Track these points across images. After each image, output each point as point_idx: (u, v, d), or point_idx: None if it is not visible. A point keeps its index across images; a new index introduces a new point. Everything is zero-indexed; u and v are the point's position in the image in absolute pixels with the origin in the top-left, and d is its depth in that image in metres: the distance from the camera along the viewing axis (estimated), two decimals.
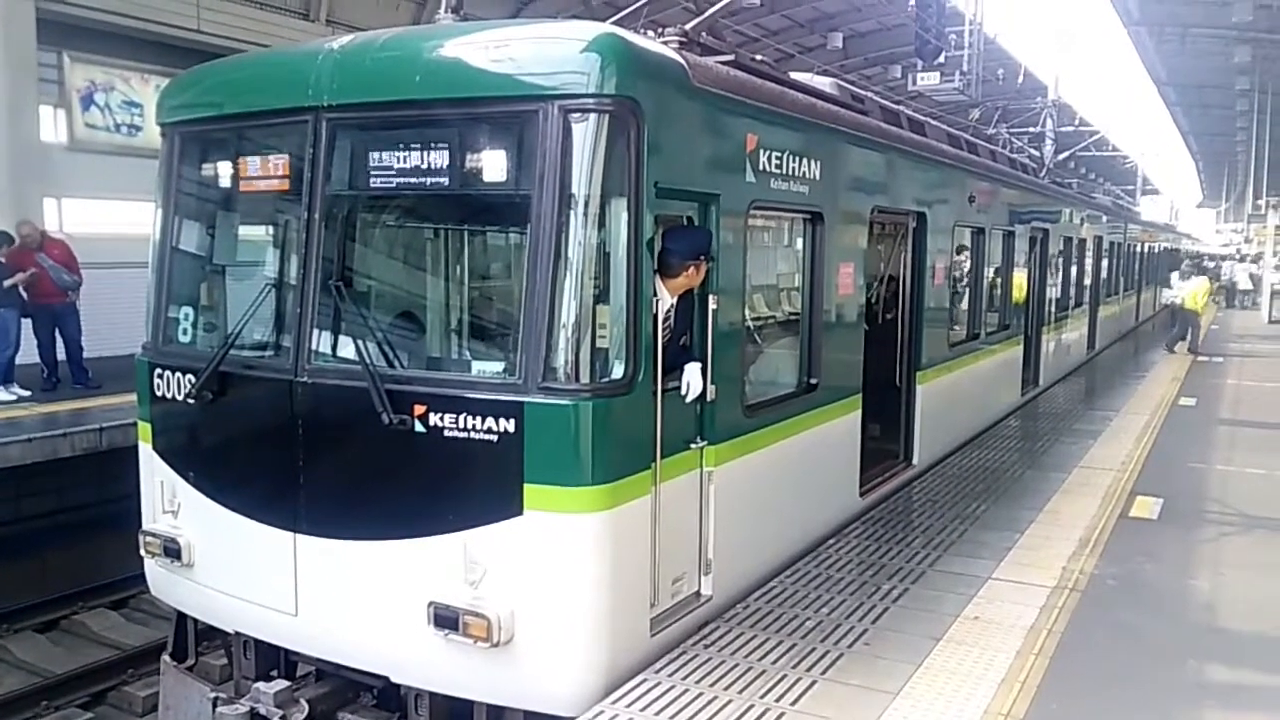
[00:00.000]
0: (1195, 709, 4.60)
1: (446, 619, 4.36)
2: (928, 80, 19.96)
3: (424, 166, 4.54)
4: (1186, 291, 19.74)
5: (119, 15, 15.12)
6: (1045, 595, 5.82)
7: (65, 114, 15.54)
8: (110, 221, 15.40)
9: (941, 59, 19.92)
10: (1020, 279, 12.36)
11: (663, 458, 4.75)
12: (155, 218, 5.66)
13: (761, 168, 5.56)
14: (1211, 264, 46.08)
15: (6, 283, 10.93)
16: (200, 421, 5.34)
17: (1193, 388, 14.62)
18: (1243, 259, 43.21)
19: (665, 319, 4.85)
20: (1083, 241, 16.74)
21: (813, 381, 6.43)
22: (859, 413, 7.17)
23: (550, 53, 4.43)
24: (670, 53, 4.93)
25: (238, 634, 5.35)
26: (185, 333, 5.61)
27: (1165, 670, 4.96)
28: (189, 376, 5.25)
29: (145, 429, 5.63)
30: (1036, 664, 4.89)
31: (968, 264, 10.36)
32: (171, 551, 5.35)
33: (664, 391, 4.73)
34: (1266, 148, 28.15)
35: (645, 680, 4.57)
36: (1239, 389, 14.95)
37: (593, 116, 4.31)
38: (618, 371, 4.42)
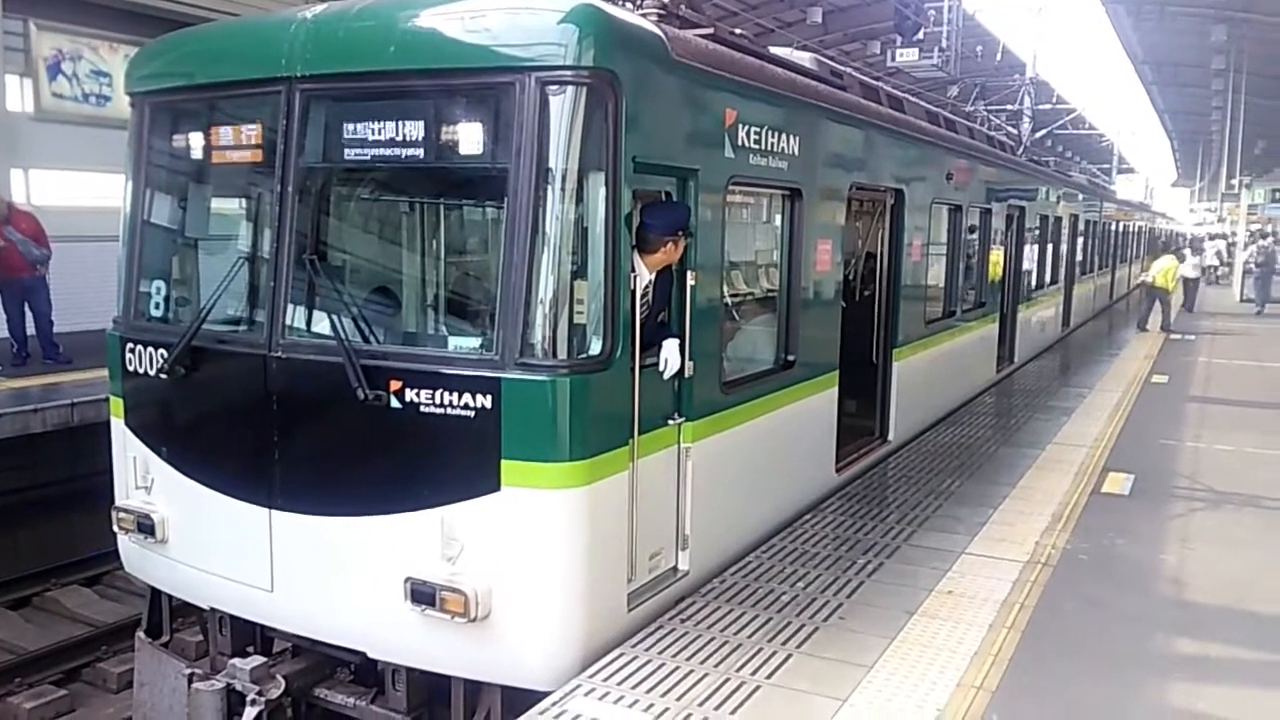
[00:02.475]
0: (1163, 680, 4.68)
1: (423, 595, 4.36)
2: (907, 56, 20.03)
3: (399, 139, 4.48)
4: (1157, 270, 19.93)
5: None
6: (1018, 570, 5.89)
7: (32, 83, 15.17)
8: (79, 194, 15.13)
9: (921, 35, 19.99)
10: (996, 256, 12.43)
11: (640, 434, 4.75)
12: (126, 190, 5.57)
13: (740, 143, 5.53)
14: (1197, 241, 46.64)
15: None
16: (173, 397, 5.28)
17: (1165, 365, 14.80)
18: (1211, 237, 43.67)
19: (643, 295, 4.83)
20: (1058, 219, 16.84)
21: (790, 358, 6.45)
22: (836, 389, 7.20)
23: (527, 23, 4.37)
24: (649, 25, 4.88)
25: (213, 610, 5.32)
26: (157, 307, 5.53)
27: (1135, 643, 5.04)
28: (161, 351, 5.18)
29: (117, 404, 5.57)
30: (1009, 637, 4.96)
31: (945, 241, 10.40)
32: (145, 528, 5.31)
33: (641, 368, 4.72)
34: (1241, 127, 28.37)
35: (622, 654, 4.60)
36: (1210, 366, 15.15)
37: (570, 89, 4.26)
38: (595, 347, 4.40)
